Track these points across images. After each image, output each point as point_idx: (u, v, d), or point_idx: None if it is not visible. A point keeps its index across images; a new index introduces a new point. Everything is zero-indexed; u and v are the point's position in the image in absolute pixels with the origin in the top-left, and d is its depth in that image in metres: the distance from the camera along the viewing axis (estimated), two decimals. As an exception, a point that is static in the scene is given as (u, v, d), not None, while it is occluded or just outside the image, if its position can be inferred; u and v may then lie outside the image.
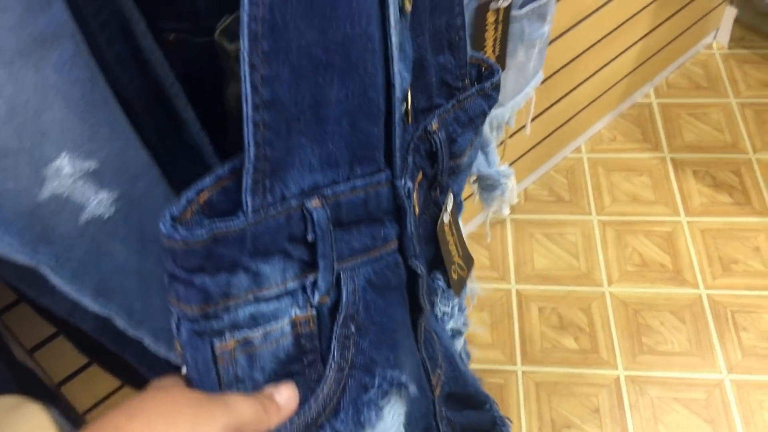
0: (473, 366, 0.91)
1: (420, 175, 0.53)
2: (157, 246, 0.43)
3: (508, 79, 0.78)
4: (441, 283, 0.64)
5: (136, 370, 0.56)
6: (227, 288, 0.42)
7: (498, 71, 0.55)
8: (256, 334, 0.44)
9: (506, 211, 0.85)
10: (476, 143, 0.58)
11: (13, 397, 0.45)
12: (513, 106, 0.82)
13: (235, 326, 0.43)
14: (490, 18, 0.67)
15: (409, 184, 0.49)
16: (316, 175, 0.44)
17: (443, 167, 0.55)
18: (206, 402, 0.39)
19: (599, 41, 1.52)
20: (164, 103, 0.48)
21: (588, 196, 1.67)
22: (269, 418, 0.43)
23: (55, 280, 0.43)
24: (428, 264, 0.62)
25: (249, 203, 0.42)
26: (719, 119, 1.79)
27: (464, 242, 0.64)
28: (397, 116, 0.45)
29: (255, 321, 0.44)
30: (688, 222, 1.60)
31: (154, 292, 0.49)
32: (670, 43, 1.78)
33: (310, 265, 0.46)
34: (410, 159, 0.50)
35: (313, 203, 0.44)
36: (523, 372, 1.38)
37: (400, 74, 0.44)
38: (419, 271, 0.51)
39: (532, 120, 1.52)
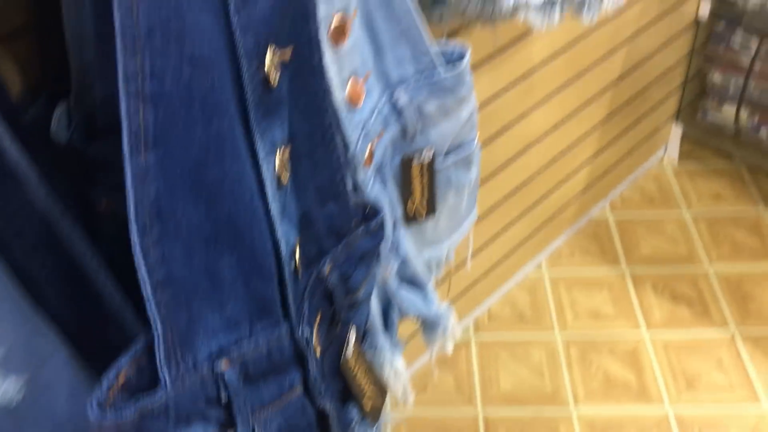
0: None
1: (318, 316, 0.56)
2: (71, 427, 0.44)
3: (441, 221, 0.81)
4: (355, 413, 0.64)
5: None
6: None
7: (380, 211, 0.59)
8: None
9: (450, 349, 0.86)
10: (371, 278, 0.60)
11: None
12: (450, 245, 0.85)
13: None
14: (415, 171, 0.71)
15: (307, 331, 0.52)
16: (221, 337, 0.46)
17: (341, 305, 0.57)
18: None
19: (550, 163, 1.58)
20: (81, 281, 0.49)
21: (551, 313, 1.68)
22: None
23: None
24: (340, 397, 0.63)
25: (166, 375, 0.43)
26: (674, 232, 1.84)
27: (374, 371, 0.65)
28: (287, 272, 0.48)
29: None
30: (650, 337, 1.60)
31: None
32: (620, 160, 1.85)
33: (228, 425, 0.47)
34: (306, 305, 0.53)
35: (223, 365, 0.46)
36: (492, 502, 1.34)
37: (285, 236, 0.48)
38: (327, 410, 0.53)
39: (476, 250, 1.55)
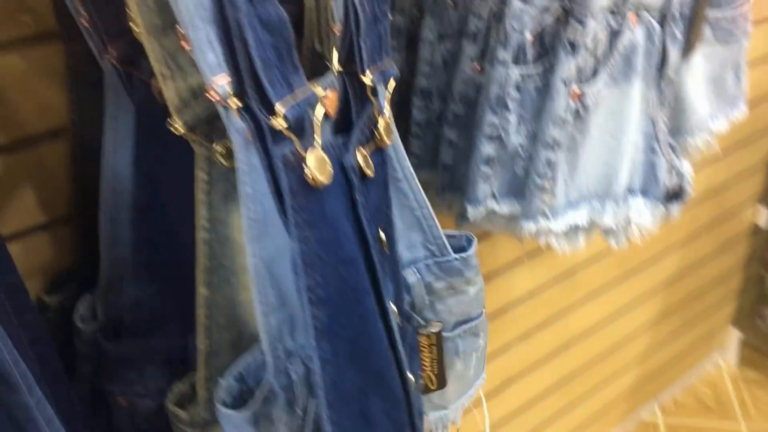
0: None
1: None
2: None
3: (449, 386, 0.81)
4: None
5: None
6: None
7: None
8: None
9: None
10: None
11: None
12: (457, 407, 0.84)
13: None
14: (424, 342, 0.72)
15: None
16: None
17: None
18: None
19: (595, 361, 1.54)
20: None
21: None
22: None
23: None
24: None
25: None
26: (729, 446, 1.73)
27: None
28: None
29: None
30: None
31: None
32: (672, 362, 1.79)
33: None
34: None
35: None
36: None
37: (408, 366, 0.58)
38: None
39: (525, 438, 1.50)
